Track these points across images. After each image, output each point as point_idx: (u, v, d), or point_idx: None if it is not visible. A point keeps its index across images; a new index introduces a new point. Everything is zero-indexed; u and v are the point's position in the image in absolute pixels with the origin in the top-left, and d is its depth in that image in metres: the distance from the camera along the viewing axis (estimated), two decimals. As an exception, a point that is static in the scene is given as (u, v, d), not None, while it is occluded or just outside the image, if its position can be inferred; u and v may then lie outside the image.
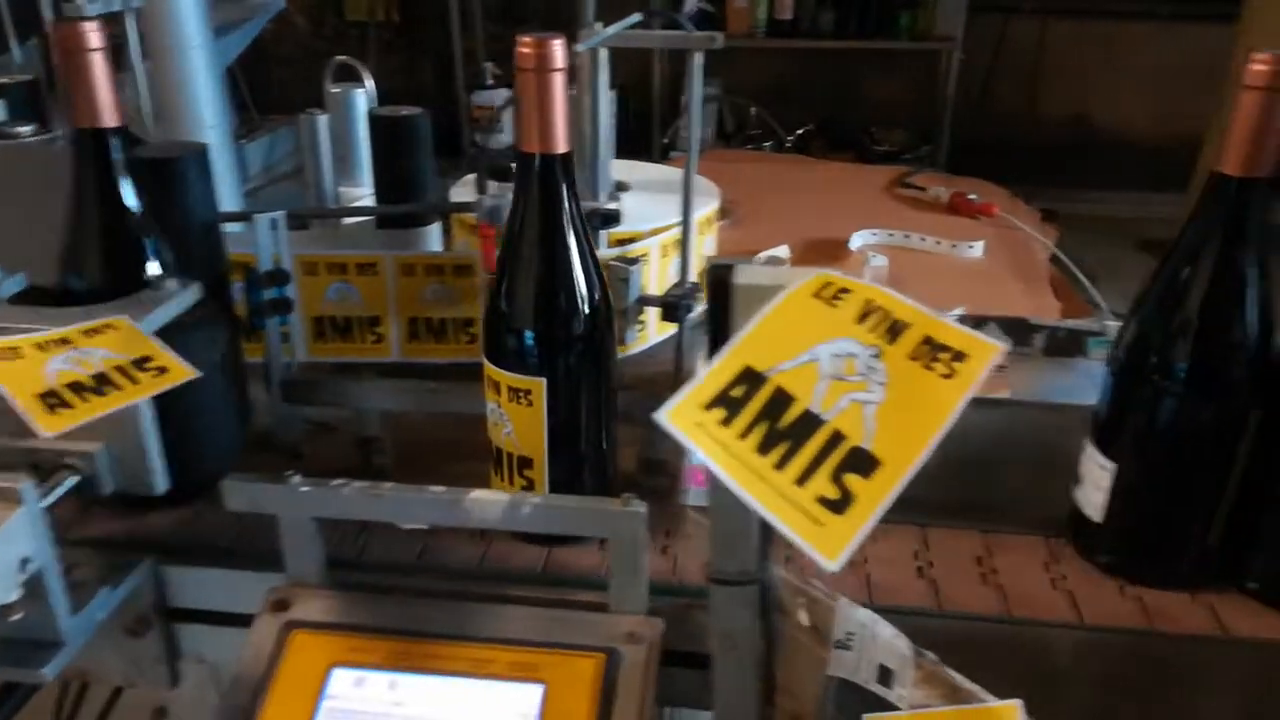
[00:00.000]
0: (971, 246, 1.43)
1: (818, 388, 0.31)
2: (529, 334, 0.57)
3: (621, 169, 0.94)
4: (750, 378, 0.31)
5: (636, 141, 3.66)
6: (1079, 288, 1.18)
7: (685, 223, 0.73)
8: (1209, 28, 2.66)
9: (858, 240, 1.44)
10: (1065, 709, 0.56)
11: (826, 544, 0.28)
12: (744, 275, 0.33)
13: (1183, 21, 2.82)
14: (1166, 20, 3.04)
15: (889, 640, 0.42)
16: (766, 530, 0.39)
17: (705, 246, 0.85)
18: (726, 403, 0.30)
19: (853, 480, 0.29)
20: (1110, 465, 0.57)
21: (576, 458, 0.61)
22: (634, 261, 0.73)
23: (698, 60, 0.66)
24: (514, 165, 0.61)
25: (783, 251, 1.30)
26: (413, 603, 0.56)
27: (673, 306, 0.72)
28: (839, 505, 0.29)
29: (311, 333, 0.73)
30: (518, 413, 0.57)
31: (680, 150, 3.45)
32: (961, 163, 3.24)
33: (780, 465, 0.29)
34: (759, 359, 0.31)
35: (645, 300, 0.74)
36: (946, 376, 0.31)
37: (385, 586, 0.57)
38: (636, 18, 0.64)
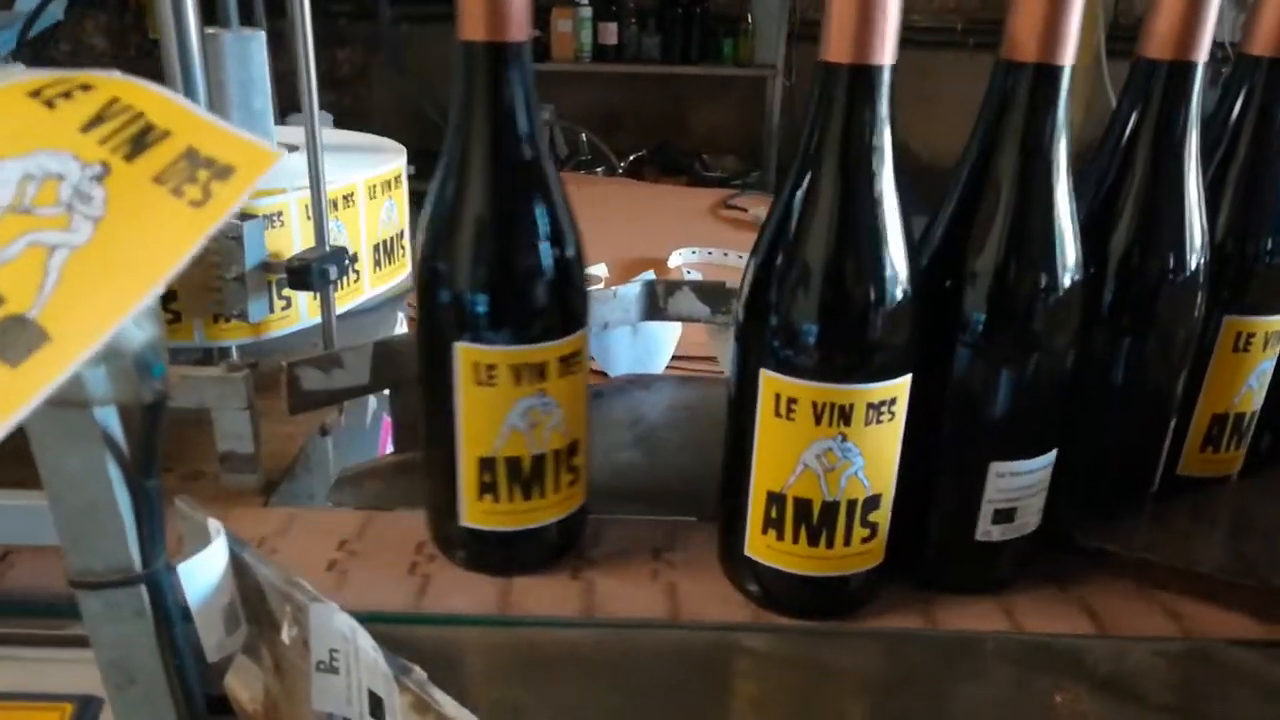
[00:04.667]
0: (786, 264, 1.40)
1: (-15, 226, 0.19)
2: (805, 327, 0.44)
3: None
4: None
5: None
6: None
7: (315, 181, 0.61)
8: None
9: (676, 259, 1.40)
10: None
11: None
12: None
13: (986, 51, 2.91)
14: (973, 50, 3.14)
15: (371, 656, 0.30)
16: (149, 502, 0.27)
17: (385, 210, 0.73)
18: None
19: (-9, 369, 0.17)
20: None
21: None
22: (250, 218, 0.60)
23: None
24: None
25: (600, 270, 1.24)
26: None
27: (301, 271, 0.60)
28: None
29: None
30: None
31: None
32: (789, 187, 3.25)
33: None
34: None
35: (269, 265, 0.61)
36: (197, 204, 0.19)
37: None
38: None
